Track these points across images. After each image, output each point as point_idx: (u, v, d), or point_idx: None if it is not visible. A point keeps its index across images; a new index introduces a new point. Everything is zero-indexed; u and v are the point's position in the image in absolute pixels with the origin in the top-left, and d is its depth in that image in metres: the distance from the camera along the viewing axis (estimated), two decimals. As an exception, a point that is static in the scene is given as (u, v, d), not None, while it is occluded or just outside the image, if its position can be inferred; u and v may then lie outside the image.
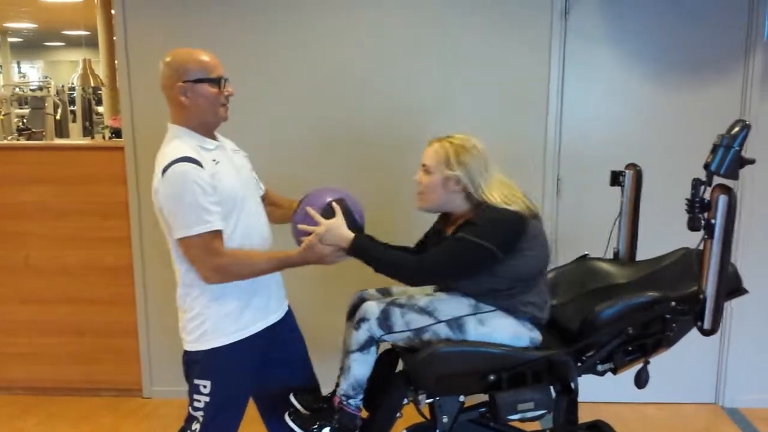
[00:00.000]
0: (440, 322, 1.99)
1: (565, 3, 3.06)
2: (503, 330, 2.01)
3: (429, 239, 2.22)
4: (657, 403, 3.34)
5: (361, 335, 2.00)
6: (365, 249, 1.98)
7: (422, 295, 2.07)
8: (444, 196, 2.04)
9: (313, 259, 1.96)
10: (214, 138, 2.02)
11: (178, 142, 1.91)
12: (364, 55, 3.16)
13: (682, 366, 3.23)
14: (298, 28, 3.15)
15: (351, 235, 1.96)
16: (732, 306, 3.14)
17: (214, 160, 1.93)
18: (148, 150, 3.22)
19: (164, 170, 1.84)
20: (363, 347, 2.01)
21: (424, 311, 2.00)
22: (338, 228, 1.96)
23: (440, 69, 3.15)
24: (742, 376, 3.33)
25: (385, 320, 1.99)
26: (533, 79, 3.12)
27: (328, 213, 1.99)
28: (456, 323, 1.99)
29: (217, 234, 1.88)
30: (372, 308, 2.01)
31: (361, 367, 2.02)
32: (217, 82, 1.94)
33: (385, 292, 2.24)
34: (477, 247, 1.92)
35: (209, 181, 1.86)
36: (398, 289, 2.24)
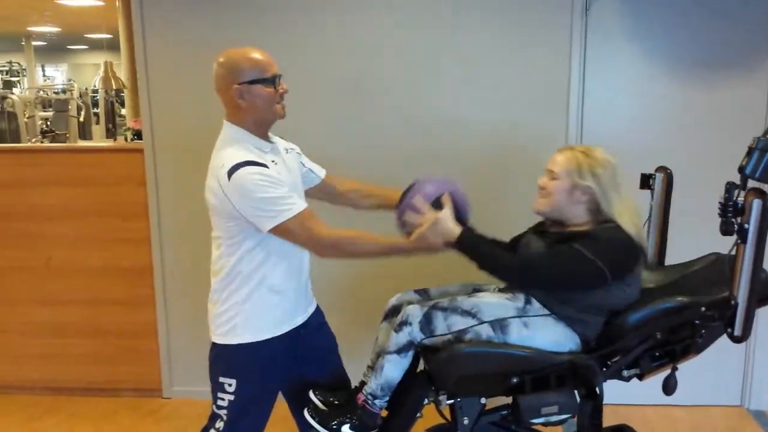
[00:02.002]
0: (483, 323, 1.96)
1: (585, 1, 3.01)
2: (547, 335, 1.97)
3: (523, 236, 2.19)
4: (682, 406, 3.29)
5: (401, 338, 1.98)
6: (472, 245, 1.96)
7: (465, 296, 2.04)
8: (567, 203, 2.02)
9: (423, 248, 1.95)
10: (268, 139, 2.02)
11: (238, 146, 1.91)
12: (381, 57, 3.14)
13: (708, 368, 3.15)
14: (314, 32, 3.14)
15: (458, 229, 1.95)
16: (760, 309, 3.07)
17: (273, 161, 1.94)
18: (167, 152, 3.25)
19: (230, 173, 1.84)
20: (401, 350, 1.99)
21: (467, 313, 1.97)
22: (446, 221, 1.95)
23: (459, 70, 3.12)
24: (768, 379, 3.27)
25: (427, 324, 1.97)
26: (554, 78, 3.08)
27: (436, 204, 1.99)
28: (499, 324, 1.96)
29: (308, 213, 1.90)
30: (415, 312, 1.98)
31: (395, 369, 2.00)
32: (272, 81, 1.93)
33: (423, 294, 2.22)
34: (590, 264, 1.88)
35: (277, 177, 1.88)
36: (437, 290, 2.22)
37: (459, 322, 1.96)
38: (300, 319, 2.10)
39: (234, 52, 1.94)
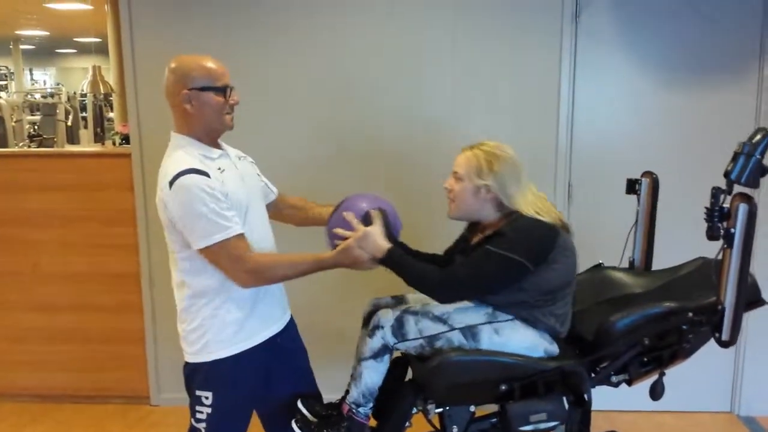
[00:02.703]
0: (454, 329, 1.96)
1: (576, 5, 3.02)
2: (519, 340, 1.97)
3: (456, 247, 2.19)
4: (672, 412, 3.29)
5: (375, 343, 1.98)
6: (398, 263, 1.94)
7: (436, 303, 2.02)
8: (475, 204, 2.01)
9: (346, 262, 1.92)
10: (218, 147, 1.99)
11: (182, 152, 1.88)
12: (373, 61, 3.14)
13: (698, 374, 3.17)
14: (308, 35, 3.13)
15: (387, 245, 1.93)
16: (748, 314, 3.08)
17: (219, 168, 1.90)
18: (155, 157, 3.15)
19: (171, 183, 1.81)
20: (376, 355, 1.98)
21: (438, 319, 1.97)
22: (375, 236, 1.93)
23: (450, 74, 3.12)
24: (759, 385, 3.28)
25: (399, 328, 1.97)
26: (544, 83, 3.09)
27: (365, 220, 1.97)
28: (470, 331, 1.96)
29: (241, 237, 1.85)
30: (386, 316, 1.98)
31: (374, 374, 2.00)
32: (222, 90, 1.90)
33: (399, 300, 2.21)
34: (506, 259, 1.88)
35: (219, 188, 1.83)
36: (413, 296, 2.21)
37: (430, 328, 1.96)
38: (275, 328, 2.07)
39: (186, 59, 1.92)
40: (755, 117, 3.07)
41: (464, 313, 1.98)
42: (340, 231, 1.96)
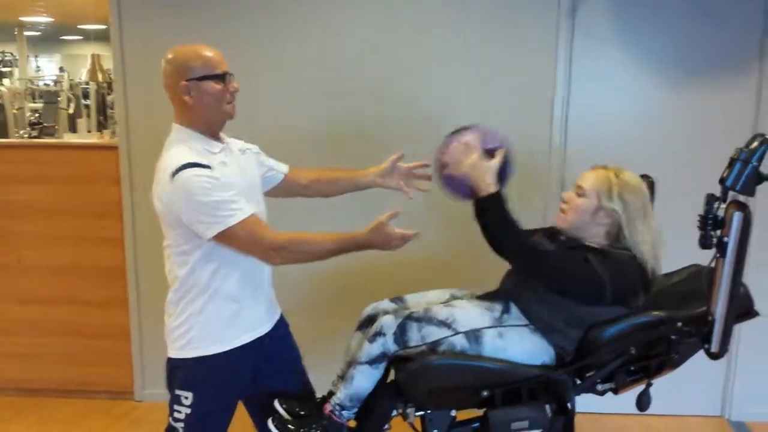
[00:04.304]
0: (458, 333, 1.91)
1: (572, 1, 2.96)
2: (521, 347, 1.93)
3: (543, 231, 2.15)
4: (662, 416, 3.24)
5: (374, 349, 1.93)
6: (498, 206, 1.88)
7: (441, 306, 1.99)
8: (588, 222, 1.97)
9: (378, 241, 1.85)
10: (219, 140, 1.95)
11: (183, 146, 1.84)
12: (367, 54, 3.09)
13: (689, 378, 3.07)
14: (302, 26, 3.08)
15: (495, 186, 1.88)
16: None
17: (222, 162, 1.87)
18: (142, 149, 3.17)
19: (173, 176, 1.76)
20: (373, 361, 1.94)
21: (443, 324, 1.93)
22: (491, 172, 1.88)
23: (444, 68, 3.07)
24: (750, 390, 3.23)
25: (401, 335, 1.92)
26: (539, 79, 3.03)
27: (488, 153, 1.93)
28: (474, 335, 1.91)
29: (254, 218, 1.82)
30: (389, 323, 1.93)
31: (366, 380, 1.96)
32: (221, 78, 1.86)
33: (398, 302, 2.16)
34: (595, 278, 1.85)
35: (223, 180, 1.80)
36: (413, 298, 2.17)
37: (434, 333, 1.92)
38: (263, 329, 2.03)
39: (183, 49, 1.87)
40: (754, 116, 3.00)
41: (470, 317, 1.94)
42: (458, 151, 1.94)
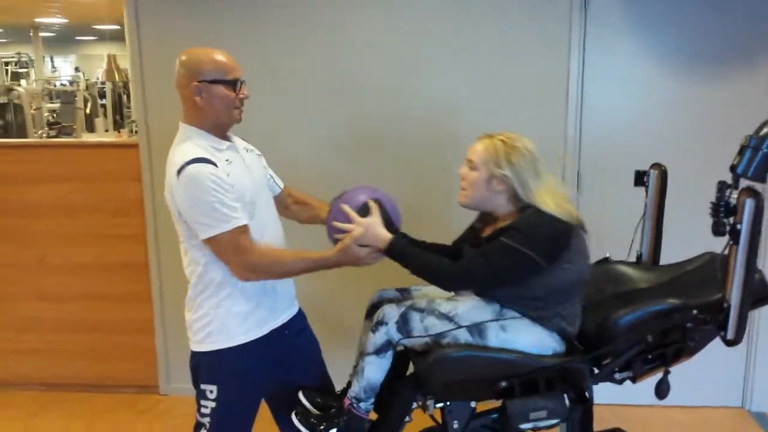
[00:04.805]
0: (461, 327, 1.93)
1: (585, -6, 2.98)
2: (526, 338, 1.94)
3: (466, 237, 2.16)
4: (683, 407, 3.26)
5: (378, 338, 1.95)
6: (403, 252, 1.92)
7: (443, 299, 2.01)
8: (487, 194, 1.98)
9: (348, 261, 1.91)
10: (226, 138, 1.99)
11: (190, 143, 1.88)
12: (379, 53, 3.12)
13: (709, 369, 3.14)
14: (315, 28, 3.12)
15: (388, 235, 1.92)
16: (760, 308, 3.03)
17: (227, 160, 1.90)
18: (162, 147, 3.16)
19: (179, 172, 1.81)
20: (379, 351, 1.96)
21: (444, 316, 1.94)
22: (375, 227, 1.92)
23: (457, 65, 3.09)
24: (770, 380, 3.23)
25: (404, 325, 1.94)
26: (553, 72, 3.04)
27: (363, 212, 1.95)
28: (477, 329, 1.93)
29: (244, 230, 1.86)
30: (391, 312, 1.95)
31: (376, 370, 1.98)
32: (233, 84, 1.90)
33: (404, 292, 2.19)
34: (518, 254, 1.85)
35: (226, 179, 1.83)
36: (418, 289, 2.19)
37: (436, 325, 1.93)
38: (280, 321, 2.07)
39: (197, 51, 1.92)
40: (766, 106, 2.98)
41: (471, 311, 1.95)
42: (337, 224, 1.94)
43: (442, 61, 3.09)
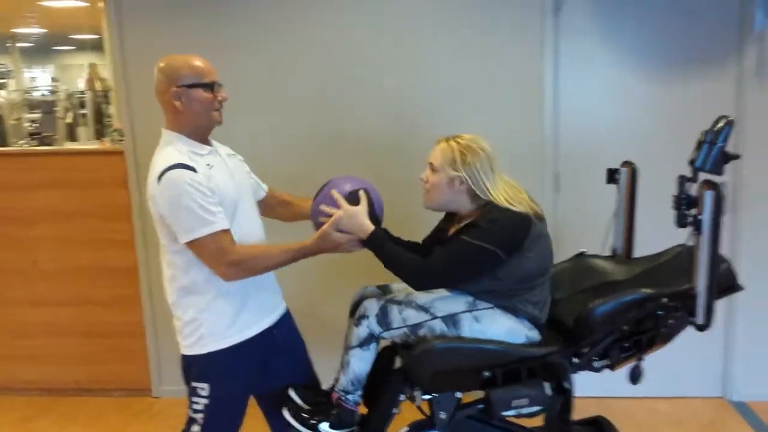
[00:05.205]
0: (436, 318, 2.02)
1: (555, 0, 3.06)
2: (498, 327, 2.03)
3: (434, 237, 2.25)
4: (664, 398, 3.34)
5: (361, 332, 2.04)
6: (380, 244, 2.00)
7: (422, 293, 2.08)
8: (449, 195, 2.07)
9: (327, 247, 1.98)
10: (207, 143, 2.05)
11: (171, 148, 1.94)
12: (357, 55, 3.18)
13: (689, 360, 3.23)
14: (295, 30, 3.17)
15: (371, 226, 1.99)
16: (738, 299, 3.12)
17: (207, 165, 1.96)
18: (148, 153, 3.10)
19: (159, 177, 1.87)
20: (363, 343, 2.05)
21: (421, 308, 2.03)
22: (359, 216, 1.99)
23: (433, 68, 3.16)
24: (749, 370, 3.31)
25: (383, 317, 2.03)
26: (527, 76, 3.12)
27: (352, 200, 2.01)
28: (451, 320, 2.02)
29: (225, 232, 1.90)
30: (371, 306, 2.05)
31: (361, 363, 2.06)
32: (210, 86, 1.97)
33: (385, 289, 2.27)
34: (479, 249, 1.94)
35: (206, 184, 1.88)
36: (398, 286, 2.26)
37: (413, 317, 2.02)
38: (269, 321, 2.12)
39: (175, 58, 1.99)
40: (734, 105, 3.09)
41: (446, 302, 2.04)
42: (326, 208, 2.00)
43: (416, 65, 3.15)
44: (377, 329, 2.03)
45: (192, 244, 1.89)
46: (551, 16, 3.06)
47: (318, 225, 2.03)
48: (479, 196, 2.03)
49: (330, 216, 1.98)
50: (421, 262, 2.00)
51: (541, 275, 2.07)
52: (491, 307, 2.03)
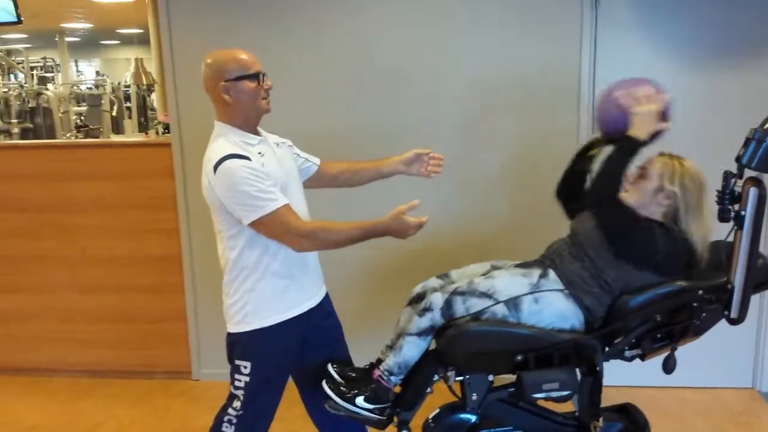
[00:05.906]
0: (498, 302, 2.06)
1: (595, -8, 3.05)
2: (553, 309, 2.07)
3: None
4: (693, 388, 3.33)
5: (423, 322, 2.10)
6: (631, 157, 2.04)
7: (482, 278, 2.14)
8: (648, 203, 2.11)
9: (395, 228, 2.02)
10: (257, 133, 2.13)
11: (223, 140, 2.03)
12: (390, 50, 3.23)
13: (719, 350, 3.20)
14: (334, 26, 3.24)
15: (647, 137, 2.03)
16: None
17: (259, 153, 2.05)
18: (194, 145, 3.36)
19: (215, 167, 1.96)
20: (422, 333, 2.10)
21: (484, 295, 2.08)
22: (653, 124, 2.03)
23: (469, 64, 3.19)
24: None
25: (447, 309, 2.08)
26: (564, 69, 3.13)
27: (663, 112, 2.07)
28: (513, 303, 2.06)
29: (288, 207, 1.99)
30: (437, 300, 2.09)
31: (414, 350, 2.12)
32: (255, 77, 2.05)
33: (444, 278, 2.32)
34: (653, 244, 2.00)
35: (261, 169, 1.97)
36: (457, 272, 2.32)
37: (477, 304, 2.07)
38: (310, 303, 2.20)
39: (220, 53, 2.07)
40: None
41: (508, 286, 2.09)
42: (637, 92, 2.08)
43: (452, 60, 3.18)
44: (441, 321, 2.09)
45: (258, 224, 1.98)
46: (590, 8, 3.07)
47: (613, 116, 2.11)
48: (675, 219, 2.08)
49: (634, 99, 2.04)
50: (618, 206, 2.04)
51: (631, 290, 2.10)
52: (555, 290, 2.08)
